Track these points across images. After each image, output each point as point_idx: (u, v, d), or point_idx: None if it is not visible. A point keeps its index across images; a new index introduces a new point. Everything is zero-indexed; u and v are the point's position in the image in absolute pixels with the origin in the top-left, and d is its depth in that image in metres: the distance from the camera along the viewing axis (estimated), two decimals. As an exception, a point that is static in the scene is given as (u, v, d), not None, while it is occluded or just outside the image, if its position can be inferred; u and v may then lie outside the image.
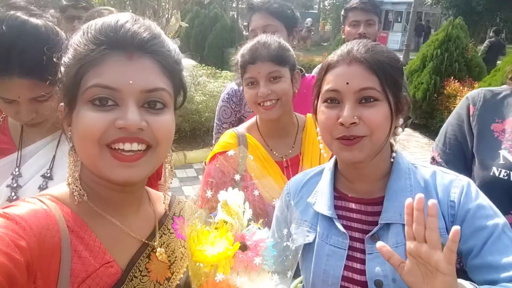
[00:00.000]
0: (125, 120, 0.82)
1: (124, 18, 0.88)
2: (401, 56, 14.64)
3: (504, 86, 1.60)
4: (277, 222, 1.35)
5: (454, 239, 0.88)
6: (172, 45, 0.95)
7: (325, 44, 24.71)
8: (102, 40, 0.84)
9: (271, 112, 1.68)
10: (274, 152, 1.78)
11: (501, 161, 1.42)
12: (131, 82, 0.83)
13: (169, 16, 8.17)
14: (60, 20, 3.67)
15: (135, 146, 0.85)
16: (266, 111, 1.67)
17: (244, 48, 1.72)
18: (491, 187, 1.34)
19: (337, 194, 1.26)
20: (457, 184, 1.12)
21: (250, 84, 1.68)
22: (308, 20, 22.91)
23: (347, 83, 1.10)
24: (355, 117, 1.08)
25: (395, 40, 23.85)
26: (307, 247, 1.23)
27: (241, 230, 0.96)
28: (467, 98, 1.63)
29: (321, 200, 1.25)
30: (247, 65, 1.67)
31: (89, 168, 0.90)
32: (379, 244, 0.99)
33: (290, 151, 1.79)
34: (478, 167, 1.33)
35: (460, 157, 1.57)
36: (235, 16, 15.87)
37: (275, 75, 1.65)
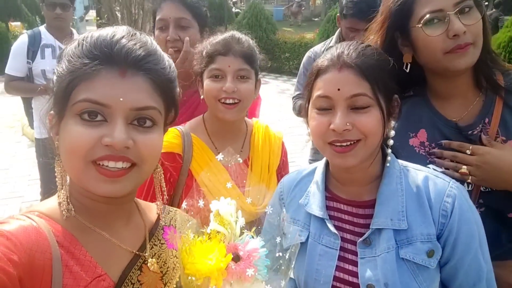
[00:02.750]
0: (112, 138, 0.82)
1: (120, 33, 0.88)
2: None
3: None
4: (269, 225, 1.34)
5: None
6: (168, 62, 0.94)
7: (316, 19, 24.34)
8: (96, 54, 0.84)
9: (231, 112, 1.57)
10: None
11: None
12: (121, 99, 0.83)
13: (156, -5, 7.95)
14: (41, 7, 3.58)
15: (119, 165, 0.85)
16: (226, 110, 1.56)
17: (215, 38, 1.62)
18: None
19: (329, 195, 1.25)
20: (450, 193, 1.13)
21: (214, 76, 1.56)
22: (299, -5, 22.53)
23: (338, 90, 1.09)
24: (347, 124, 1.07)
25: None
26: (300, 247, 1.23)
27: (234, 240, 0.95)
28: None
29: (313, 201, 1.25)
30: (217, 56, 1.55)
31: (74, 181, 0.90)
32: None
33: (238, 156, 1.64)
34: None
35: None
36: (224, -8, 15.57)
37: (244, 74, 1.57)
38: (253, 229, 0.99)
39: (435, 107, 1.46)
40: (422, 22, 1.31)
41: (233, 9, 17.48)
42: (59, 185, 0.92)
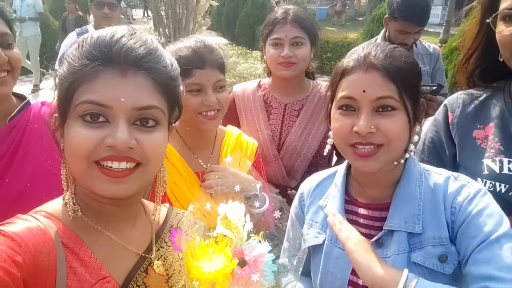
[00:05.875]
0: (114, 139, 0.81)
1: (120, 33, 0.87)
2: (441, 32, 13.89)
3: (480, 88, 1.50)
4: (292, 223, 1.37)
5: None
6: (170, 60, 0.93)
7: (360, 18, 23.84)
8: (96, 55, 0.83)
9: (213, 123, 1.59)
10: (200, 161, 1.67)
11: (486, 172, 1.34)
12: (122, 99, 0.82)
13: (200, -5, 8.10)
14: (90, 7, 3.73)
15: (123, 165, 0.84)
16: (208, 121, 1.57)
17: (181, 49, 1.55)
18: None
19: (348, 198, 1.24)
20: (464, 191, 1.08)
21: (195, 91, 1.53)
22: (343, -6, 22.15)
23: (364, 91, 1.06)
24: (371, 127, 1.04)
25: (435, 14, 22.52)
26: (317, 248, 1.24)
27: (241, 244, 0.94)
28: (445, 105, 1.53)
29: (332, 203, 1.23)
30: (193, 70, 1.50)
31: (79, 182, 0.90)
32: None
33: (209, 163, 1.68)
34: None
35: (438, 166, 1.40)
36: (267, -8, 15.57)
37: (222, 85, 1.58)
38: (261, 233, 0.97)
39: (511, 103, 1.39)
40: (498, 17, 1.29)
41: (276, 9, 17.42)
42: (65, 186, 0.92)
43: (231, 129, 1.85)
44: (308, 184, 1.36)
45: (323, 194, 1.29)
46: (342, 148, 1.13)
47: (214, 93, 1.55)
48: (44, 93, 9.06)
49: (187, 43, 1.58)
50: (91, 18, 7.75)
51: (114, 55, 0.83)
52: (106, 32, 0.87)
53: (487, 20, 1.32)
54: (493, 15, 1.30)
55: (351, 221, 1.19)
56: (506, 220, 1.02)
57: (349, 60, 1.13)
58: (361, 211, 1.20)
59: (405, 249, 1.08)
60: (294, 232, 1.35)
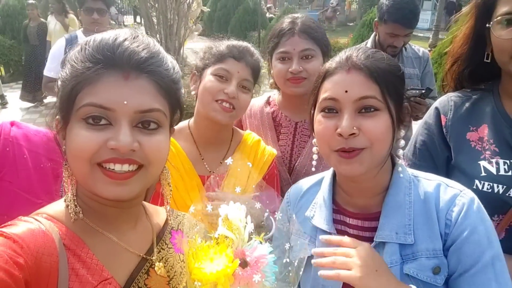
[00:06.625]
0: (117, 142, 0.81)
1: (123, 36, 0.87)
2: (430, 36, 14.06)
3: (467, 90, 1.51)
4: (279, 233, 1.31)
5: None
6: (172, 63, 0.94)
7: (351, 24, 24.02)
8: (99, 58, 0.84)
9: (225, 115, 1.55)
10: (205, 164, 1.64)
11: (483, 173, 1.34)
12: (125, 102, 0.83)
13: (191, 1, 8.13)
14: (79, 12, 3.72)
15: (126, 167, 0.84)
16: (221, 111, 1.54)
17: (230, 41, 1.63)
18: None
19: (336, 208, 1.21)
20: (458, 201, 1.06)
21: (219, 76, 1.55)
22: (334, -1, 22.31)
23: (346, 91, 1.05)
24: (354, 128, 1.03)
25: (424, 19, 22.79)
26: (307, 260, 1.18)
27: (242, 246, 0.94)
28: (436, 108, 1.53)
29: (320, 214, 1.20)
30: (229, 58, 1.56)
31: (82, 185, 0.90)
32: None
33: (219, 167, 1.63)
34: (460, 181, 1.19)
35: (430, 169, 1.40)
36: (258, -2, 15.67)
37: (247, 85, 1.57)
38: (262, 234, 0.98)
39: (503, 106, 1.40)
40: (496, 21, 1.29)
41: (267, 15, 17.49)
42: (66, 188, 0.92)
43: (250, 134, 1.79)
44: (294, 192, 1.33)
45: (310, 203, 1.25)
46: (326, 153, 1.11)
47: (238, 89, 1.54)
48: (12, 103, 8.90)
49: (235, 41, 1.65)
50: (50, 26, 7.50)
51: (117, 58, 0.84)
52: (109, 35, 0.87)
53: (487, 25, 1.32)
54: (494, 19, 1.30)
55: (340, 232, 1.17)
56: (497, 239, 1.03)
57: (331, 62, 1.12)
58: (350, 221, 1.17)
59: (397, 261, 1.06)
60: (281, 247, 1.22)
